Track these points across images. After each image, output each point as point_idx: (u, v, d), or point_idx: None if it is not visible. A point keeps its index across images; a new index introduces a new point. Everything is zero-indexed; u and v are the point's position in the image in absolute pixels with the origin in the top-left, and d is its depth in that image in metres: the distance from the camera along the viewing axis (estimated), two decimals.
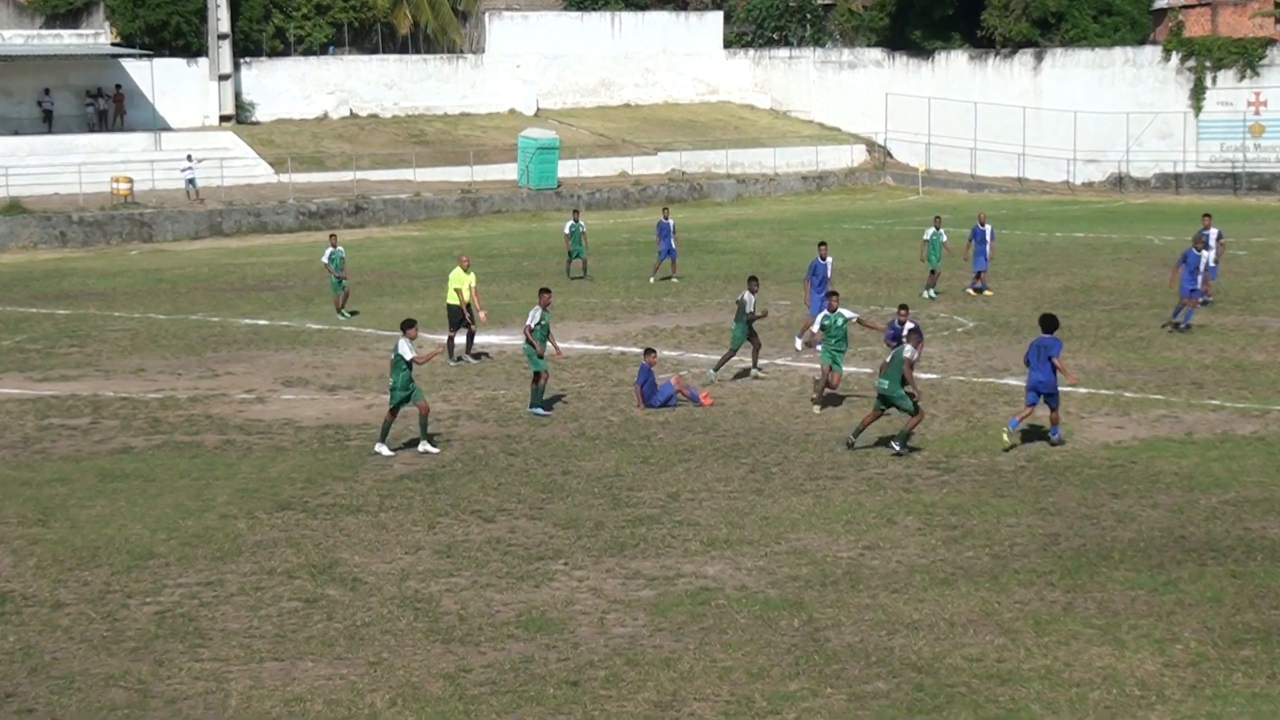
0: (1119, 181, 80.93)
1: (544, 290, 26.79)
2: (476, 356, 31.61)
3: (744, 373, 28.94)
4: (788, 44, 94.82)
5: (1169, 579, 15.96)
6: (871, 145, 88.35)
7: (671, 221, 45.19)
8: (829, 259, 32.75)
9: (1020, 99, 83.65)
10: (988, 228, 40.29)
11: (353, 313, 38.21)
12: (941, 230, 39.99)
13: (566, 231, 45.46)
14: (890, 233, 59.14)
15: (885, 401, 22.21)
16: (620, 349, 32.57)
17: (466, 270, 31.38)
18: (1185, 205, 71.57)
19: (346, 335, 35.27)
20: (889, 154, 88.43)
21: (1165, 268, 44.63)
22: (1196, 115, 79.43)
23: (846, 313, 25.80)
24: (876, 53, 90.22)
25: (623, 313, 38.31)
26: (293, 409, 26.77)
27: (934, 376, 28.32)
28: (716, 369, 28.65)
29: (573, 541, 18.26)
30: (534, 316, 25.99)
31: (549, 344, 26.15)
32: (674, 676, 13.75)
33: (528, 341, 25.89)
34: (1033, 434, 23.14)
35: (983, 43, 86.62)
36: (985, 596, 15.66)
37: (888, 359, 22.35)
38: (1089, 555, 16.96)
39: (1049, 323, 22.85)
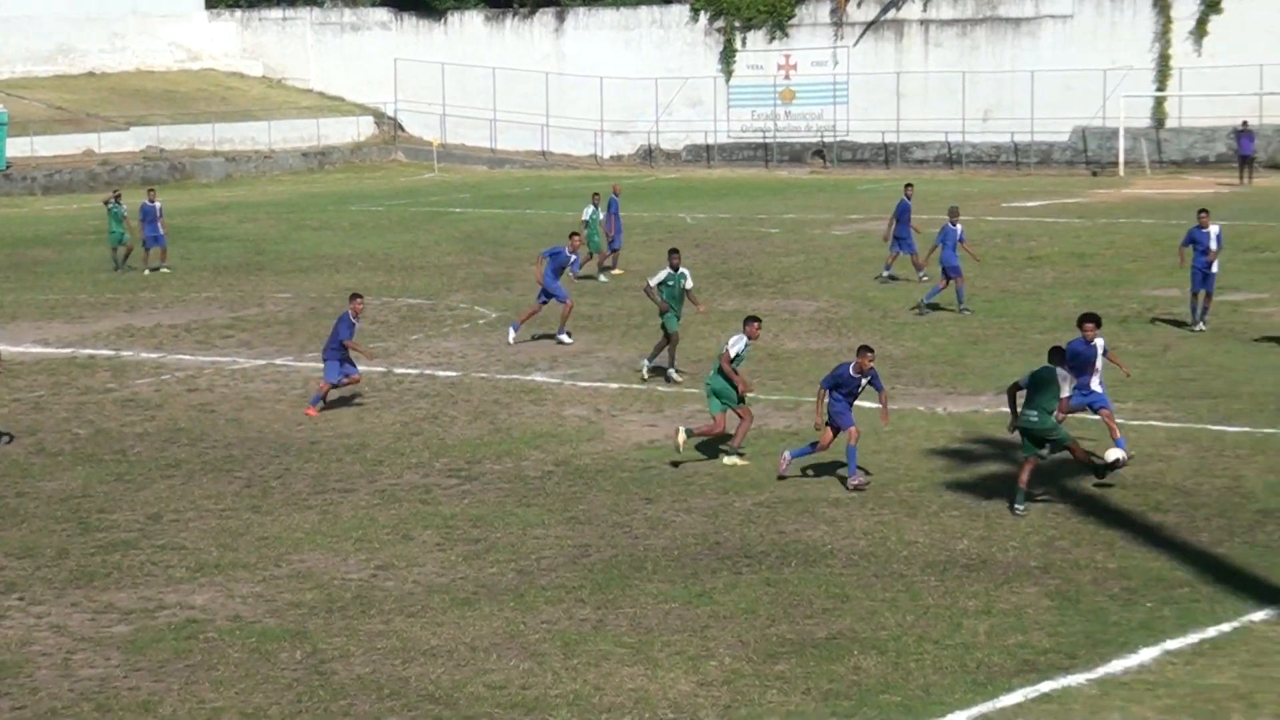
0: (649, 154, 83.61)
1: None
2: None
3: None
4: (280, 3, 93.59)
5: (703, 590, 16.58)
6: (380, 117, 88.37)
7: (159, 204, 44.40)
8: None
9: (542, 64, 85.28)
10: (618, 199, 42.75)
11: None
12: (599, 208, 41.59)
13: (125, 210, 44.54)
14: (404, 214, 59.39)
15: (1037, 440, 19.37)
16: (88, 351, 31.51)
17: None
18: (718, 180, 74.70)
19: None
20: (400, 127, 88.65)
21: (699, 248, 46.47)
22: (727, 81, 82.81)
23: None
24: (382, 13, 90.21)
25: (91, 310, 37.09)
26: None
27: (454, 374, 28.57)
28: (669, 369, 27.60)
29: (30, 573, 17.55)
30: None
31: None
32: None
33: None
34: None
35: (499, 1, 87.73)
36: (510, 617, 15.88)
37: (1021, 383, 19.51)
38: (621, 567, 17.44)
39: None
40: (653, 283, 27.48)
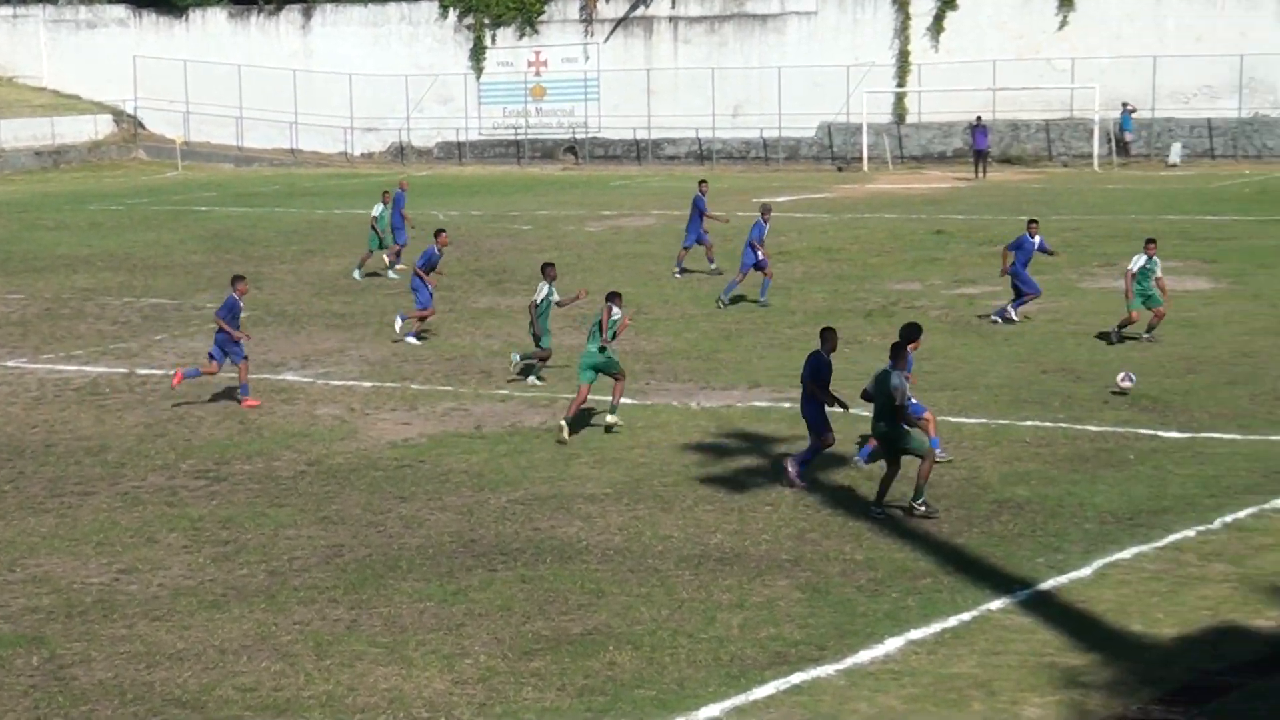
0: (400, 152, 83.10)
1: None
2: None
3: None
4: (11, 1, 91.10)
5: (458, 588, 16.50)
6: (120, 115, 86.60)
7: None
8: None
9: (290, 61, 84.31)
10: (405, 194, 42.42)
11: None
12: (388, 207, 40.95)
13: None
14: (146, 213, 58.20)
15: (892, 448, 19.20)
16: None
17: None
18: (470, 177, 74.52)
19: None
20: (141, 125, 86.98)
21: (451, 246, 46.13)
22: (478, 78, 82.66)
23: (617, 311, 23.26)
24: (120, 10, 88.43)
25: None
26: None
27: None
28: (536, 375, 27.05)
29: None
30: None
31: None
32: None
33: None
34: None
35: None
36: (261, 618, 15.64)
37: (868, 388, 19.47)
38: (375, 566, 17.28)
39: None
40: (537, 299, 26.85)
